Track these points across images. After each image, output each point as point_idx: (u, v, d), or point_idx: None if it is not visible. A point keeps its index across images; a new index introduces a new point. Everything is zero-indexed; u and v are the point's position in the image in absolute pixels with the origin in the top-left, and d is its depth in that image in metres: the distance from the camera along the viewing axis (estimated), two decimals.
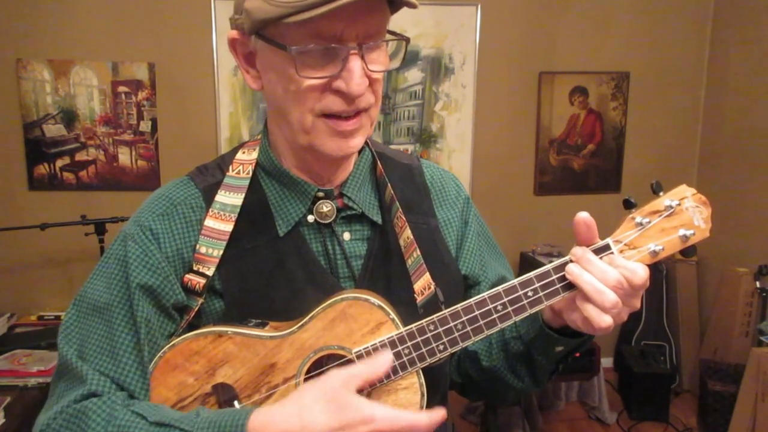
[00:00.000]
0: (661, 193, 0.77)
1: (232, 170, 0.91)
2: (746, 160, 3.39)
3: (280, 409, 0.74)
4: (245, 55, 0.86)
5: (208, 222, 0.87)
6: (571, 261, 0.78)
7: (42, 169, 3.19)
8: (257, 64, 0.86)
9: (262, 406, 0.76)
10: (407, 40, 0.84)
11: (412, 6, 0.77)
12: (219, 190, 0.89)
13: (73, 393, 0.80)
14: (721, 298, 3.38)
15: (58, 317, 3.07)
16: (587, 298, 0.76)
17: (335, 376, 0.75)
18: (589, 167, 3.70)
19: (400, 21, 3.31)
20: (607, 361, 3.70)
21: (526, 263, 3.42)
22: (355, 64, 0.78)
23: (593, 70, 3.60)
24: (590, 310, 0.76)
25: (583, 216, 0.77)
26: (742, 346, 3.16)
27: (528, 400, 3.03)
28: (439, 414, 0.74)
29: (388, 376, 0.82)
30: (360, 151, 0.96)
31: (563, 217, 3.82)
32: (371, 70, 0.80)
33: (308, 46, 0.76)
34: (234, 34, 0.85)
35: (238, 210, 0.88)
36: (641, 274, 0.75)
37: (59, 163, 3.21)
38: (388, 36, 0.83)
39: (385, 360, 0.77)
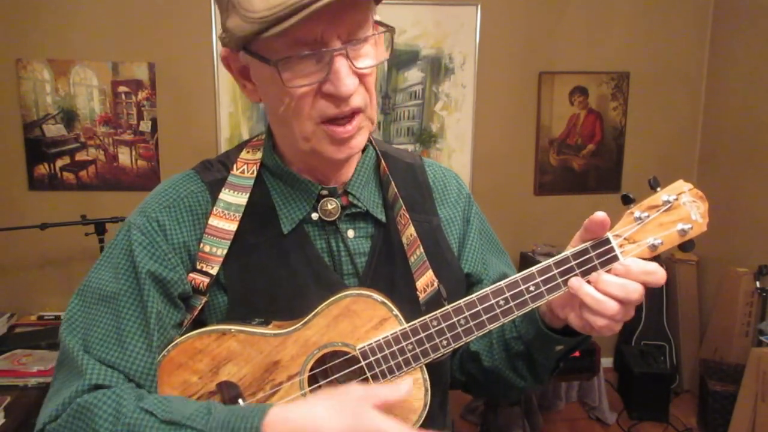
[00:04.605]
0: (658, 189, 0.78)
1: (237, 169, 0.91)
2: (746, 161, 3.39)
3: (296, 409, 0.74)
4: (239, 69, 0.86)
5: (213, 221, 0.87)
6: (572, 260, 0.79)
7: (42, 169, 3.19)
8: (252, 77, 0.85)
9: (277, 405, 0.76)
10: (392, 30, 0.82)
11: None
12: (223, 188, 0.89)
13: (73, 385, 0.79)
14: (721, 298, 3.38)
15: (58, 317, 3.07)
16: (587, 308, 0.77)
17: (356, 389, 0.76)
18: (589, 167, 3.70)
19: (400, 21, 3.31)
20: (607, 361, 3.70)
21: (526, 263, 3.42)
22: (340, 64, 0.76)
23: (593, 70, 3.61)
24: (587, 316, 0.78)
25: (601, 216, 0.77)
26: (742, 346, 3.16)
27: (528, 400, 3.02)
28: None
29: (392, 372, 0.82)
30: (364, 150, 0.96)
31: (563, 216, 3.87)
32: (359, 68, 0.79)
33: (289, 56, 0.75)
34: (225, 51, 0.85)
35: (243, 209, 0.88)
36: (639, 289, 0.76)
37: (59, 163, 3.21)
38: (371, 30, 0.80)
39: (405, 388, 0.77)
